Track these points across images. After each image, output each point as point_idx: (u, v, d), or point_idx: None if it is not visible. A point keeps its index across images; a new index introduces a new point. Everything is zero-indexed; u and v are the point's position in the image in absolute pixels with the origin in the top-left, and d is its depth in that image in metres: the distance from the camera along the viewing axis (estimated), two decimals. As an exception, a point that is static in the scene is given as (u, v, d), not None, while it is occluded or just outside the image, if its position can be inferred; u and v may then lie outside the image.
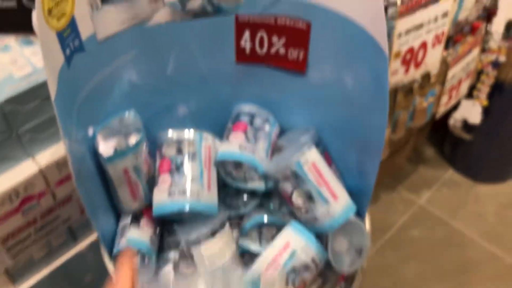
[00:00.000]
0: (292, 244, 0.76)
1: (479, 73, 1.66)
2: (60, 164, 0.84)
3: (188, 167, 0.77)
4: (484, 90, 1.68)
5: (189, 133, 0.80)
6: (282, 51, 0.79)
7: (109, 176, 0.75)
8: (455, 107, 1.73)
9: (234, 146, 0.80)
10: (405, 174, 2.01)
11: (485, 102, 1.69)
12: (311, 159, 0.75)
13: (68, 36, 0.63)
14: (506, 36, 1.61)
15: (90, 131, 0.73)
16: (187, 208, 0.74)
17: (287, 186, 0.77)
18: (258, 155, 0.80)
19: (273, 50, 0.79)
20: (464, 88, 1.63)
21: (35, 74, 0.80)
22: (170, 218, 0.80)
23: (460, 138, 1.88)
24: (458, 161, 2.01)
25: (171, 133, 0.79)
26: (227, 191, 0.89)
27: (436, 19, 1.19)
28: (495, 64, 1.62)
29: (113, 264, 0.75)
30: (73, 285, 1.00)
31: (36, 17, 0.57)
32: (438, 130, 2.09)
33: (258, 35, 0.78)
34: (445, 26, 1.23)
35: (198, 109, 0.88)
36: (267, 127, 0.85)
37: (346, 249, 0.80)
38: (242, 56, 0.81)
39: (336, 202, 0.76)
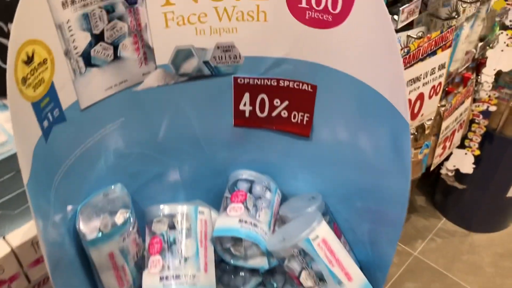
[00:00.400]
0: (302, 332, 0.66)
1: (470, 123, 1.62)
2: (35, 243, 0.73)
3: (182, 245, 0.67)
4: (475, 139, 1.63)
5: (182, 207, 0.70)
6: (284, 114, 0.71)
7: (92, 261, 0.64)
8: (446, 156, 1.68)
9: (233, 220, 0.70)
10: (397, 225, 1.93)
11: (477, 152, 1.64)
12: (321, 235, 0.66)
13: (46, 106, 0.54)
14: (496, 86, 1.58)
15: (70, 210, 0.63)
16: (182, 297, 0.63)
17: (294, 265, 0.67)
18: (260, 229, 0.70)
19: (274, 113, 0.71)
20: (457, 138, 1.58)
21: (9, 143, 0.70)
22: (162, 305, 0.70)
23: (451, 187, 1.82)
24: (450, 210, 1.94)
25: (161, 207, 0.70)
26: (224, 268, 0.78)
27: (433, 71, 1.14)
28: (486, 114, 1.58)
29: None
30: None
31: (7, 87, 0.48)
32: (428, 178, 2.03)
33: (259, 97, 0.70)
34: (442, 77, 1.18)
35: (192, 176, 0.79)
36: (268, 195, 0.76)
37: (361, 333, 0.70)
38: (240, 119, 0.73)
39: (351, 283, 0.66)
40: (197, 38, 0.63)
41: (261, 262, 0.71)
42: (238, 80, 0.68)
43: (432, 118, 1.36)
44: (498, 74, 1.54)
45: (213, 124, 0.73)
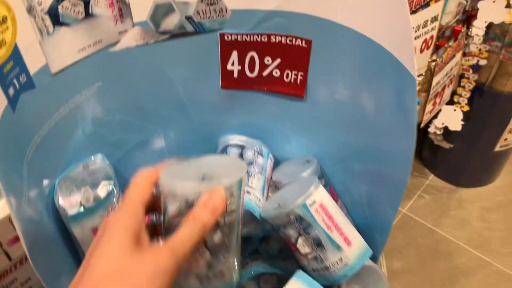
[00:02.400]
0: (299, 300, 0.63)
1: (460, 78, 1.58)
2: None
3: (171, 217, 0.63)
4: (465, 95, 1.60)
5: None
6: (276, 73, 0.65)
7: (75, 237, 0.59)
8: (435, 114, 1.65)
9: (224, 187, 0.66)
10: (386, 183, 1.92)
11: (466, 108, 1.61)
12: (318, 200, 0.62)
13: (11, 71, 0.48)
14: (485, 39, 1.53)
15: (47, 185, 0.58)
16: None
17: (290, 232, 0.64)
18: (253, 196, 0.66)
19: (265, 73, 0.65)
20: (447, 94, 1.54)
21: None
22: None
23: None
24: (438, 166, 1.94)
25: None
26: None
27: (425, 24, 1.09)
28: (476, 68, 1.54)
29: None
30: None
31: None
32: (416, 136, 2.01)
33: (248, 56, 0.64)
34: (434, 30, 1.13)
35: (178, 143, 0.73)
36: (260, 160, 0.71)
37: (361, 299, 0.68)
38: (228, 80, 0.67)
39: (350, 248, 0.63)
40: (178, -10, 0.56)
41: (255, 229, 0.68)
42: (225, 37, 0.62)
43: (423, 73, 1.32)
44: (489, 26, 1.49)
45: (199, 87, 0.67)
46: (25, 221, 0.50)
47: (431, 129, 1.72)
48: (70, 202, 0.58)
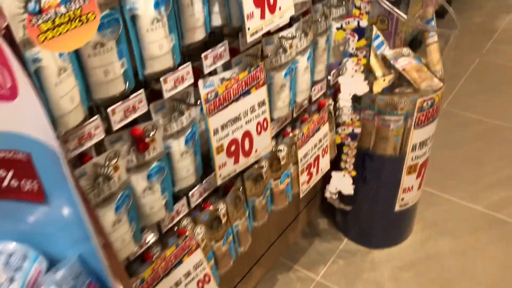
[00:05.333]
0: None
1: (341, 146, 1.62)
2: None
3: None
4: (349, 161, 1.63)
5: None
6: (14, 183, 0.69)
7: None
8: (328, 180, 1.67)
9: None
10: (301, 251, 1.90)
11: (353, 173, 1.64)
12: None
13: None
14: (360, 108, 1.59)
15: None
16: None
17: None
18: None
19: (5, 184, 0.69)
20: (325, 163, 1.58)
21: None
22: None
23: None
24: (351, 229, 1.93)
25: None
26: None
27: (253, 109, 1.14)
28: (353, 136, 1.58)
29: None
30: None
31: None
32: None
33: (-15, 170, 0.68)
34: (266, 113, 1.18)
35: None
36: (26, 265, 0.73)
37: None
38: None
39: None
40: None
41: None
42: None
43: (282, 149, 1.36)
44: (361, 97, 1.55)
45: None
46: None
47: (327, 194, 1.74)
48: None
